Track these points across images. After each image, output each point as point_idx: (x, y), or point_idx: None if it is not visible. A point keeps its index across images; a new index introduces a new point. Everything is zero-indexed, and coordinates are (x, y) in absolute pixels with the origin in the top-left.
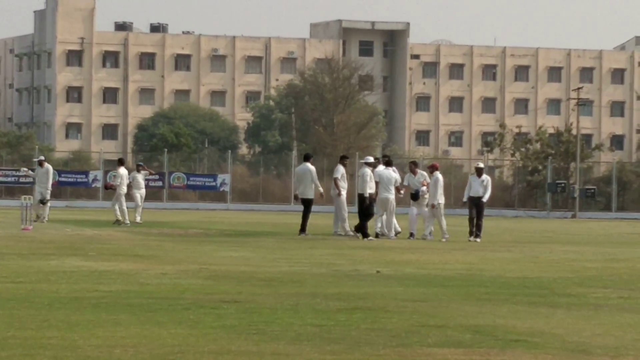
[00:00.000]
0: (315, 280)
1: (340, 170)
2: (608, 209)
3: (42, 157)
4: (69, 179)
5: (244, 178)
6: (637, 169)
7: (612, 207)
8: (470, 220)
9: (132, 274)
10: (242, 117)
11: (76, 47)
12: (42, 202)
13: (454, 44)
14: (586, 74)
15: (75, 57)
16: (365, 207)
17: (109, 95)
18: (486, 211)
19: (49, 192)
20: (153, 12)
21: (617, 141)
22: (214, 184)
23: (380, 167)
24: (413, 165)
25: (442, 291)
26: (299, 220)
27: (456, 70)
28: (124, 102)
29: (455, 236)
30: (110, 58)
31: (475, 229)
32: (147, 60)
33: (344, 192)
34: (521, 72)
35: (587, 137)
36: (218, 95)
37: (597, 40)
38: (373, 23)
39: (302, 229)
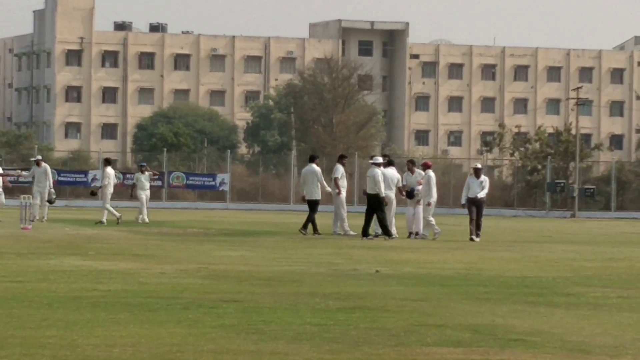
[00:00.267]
0: (315, 280)
1: (340, 169)
2: (607, 209)
3: (39, 157)
4: (68, 179)
5: (243, 178)
6: (636, 168)
7: (611, 207)
8: (471, 221)
9: (131, 273)
10: (242, 117)
11: (75, 47)
12: (50, 201)
13: (453, 43)
14: (585, 73)
15: (74, 57)
16: (378, 208)
17: (108, 94)
18: (485, 210)
19: (52, 190)
20: (152, 12)
21: (616, 141)
22: (213, 183)
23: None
24: (411, 164)
25: (441, 290)
26: (298, 219)
27: (455, 70)
28: (123, 102)
29: (455, 236)
30: (110, 58)
31: (475, 228)
32: (147, 60)
33: (343, 192)
34: (520, 72)
35: (587, 137)
36: (217, 95)
37: (596, 40)
38: (372, 23)
39: (304, 227)
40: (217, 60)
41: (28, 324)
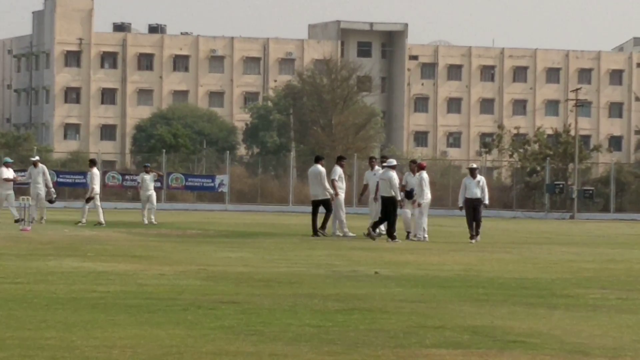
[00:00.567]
0: (314, 281)
1: (338, 171)
2: (606, 210)
3: (37, 158)
4: (67, 180)
5: (242, 179)
6: (635, 170)
7: (610, 208)
8: (470, 223)
9: (130, 275)
10: (241, 118)
11: (74, 48)
12: (50, 201)
13: (452, 44)
14: (584, 75)
15: (73, 58)
16: (393, 210)
17: (107, 96)
18: (484, 212)
19: (52, 190)
20: (151, 13)
21: (615, 142)
22: (212, 184)
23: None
24: (413, 164)
25: (440, 292)
26: (297, 221)
27: (454, 71)
28: (122, 103)
29: (454, 237)
30: (109, 59)
31: (475, 227)
32: (146, 61)
33: (341, 193)
34: (519, 73)
35: (586, 138)
36: (216, 96)
37: (595, 42)
38: (371, 24)
39: (323, 227)
40: (216, 61)
41: (27, 325)
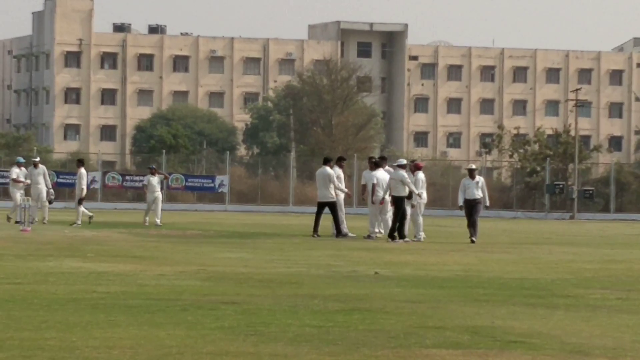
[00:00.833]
0: (314, 282)
1: (337, 172)
2: (606, 210)
3: (37, 159)
4: (67, 180)
5: (242, 179)
6: (636, 170)
7: (610, 209)
8: (469, 225)
9: (130, 275)
10: (241, 119)
11: (74, 49)
12: (50, 202)
13: (452, 45)
14: (584, 75)
15: (73, 59)
16: (402, 210)
17: (107, 96)
18: (484, 212)
19: (51, 191)
20: (151, 14)
21: (615, 142)
22: (212, 185)
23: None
24: (410, 164)
25: (440, 292)
26: (297, 221)
27: (454, 72)
28: (122, 104)
29: (453, 237)
30: (109, 59)
31: (472, 228)
32: (146, 62)
33: (341, 194)
34: (519, 74)
35: (586, 139)
36: (216, 97)
37: (595, 42)
38: (371, 24)
39: (339, 233)
40: (216, 61)
41: (27, 325)
